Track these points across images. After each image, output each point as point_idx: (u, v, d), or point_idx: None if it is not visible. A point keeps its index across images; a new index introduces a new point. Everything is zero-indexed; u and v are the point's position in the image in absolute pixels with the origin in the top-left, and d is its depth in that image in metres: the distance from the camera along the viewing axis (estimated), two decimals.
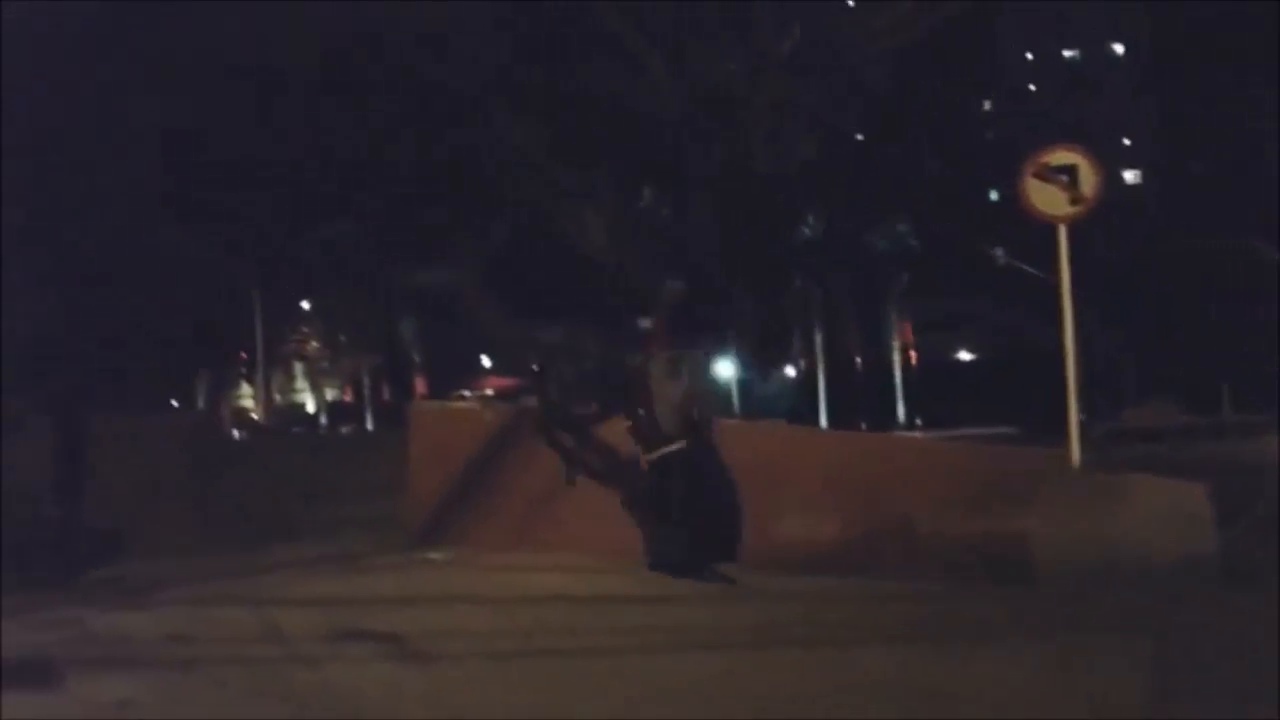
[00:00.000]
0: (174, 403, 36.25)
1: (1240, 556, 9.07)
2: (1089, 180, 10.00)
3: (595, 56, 14.17)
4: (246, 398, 45.90)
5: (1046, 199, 10.06)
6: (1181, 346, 44.82)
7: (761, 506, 9.52)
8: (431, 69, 15.31)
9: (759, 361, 52.16)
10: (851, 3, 15.13)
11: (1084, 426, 10.29)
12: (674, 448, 8.00)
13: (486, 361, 43.87)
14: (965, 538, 8.94)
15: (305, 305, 42.63)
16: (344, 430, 42.96)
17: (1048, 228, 10.28)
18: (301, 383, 51.10)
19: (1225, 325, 47.41)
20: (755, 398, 49.59)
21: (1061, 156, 10.15)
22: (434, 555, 9.42)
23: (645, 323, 14.41)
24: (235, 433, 39.64)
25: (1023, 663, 6.26)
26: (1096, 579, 8.23)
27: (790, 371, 54.50)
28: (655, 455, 8.49)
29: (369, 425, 42.21)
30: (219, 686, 5.80)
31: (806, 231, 47.16)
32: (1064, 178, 10.05)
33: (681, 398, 8.63)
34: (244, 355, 39.95)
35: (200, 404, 37.45)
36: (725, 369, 48.32)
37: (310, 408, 50.68)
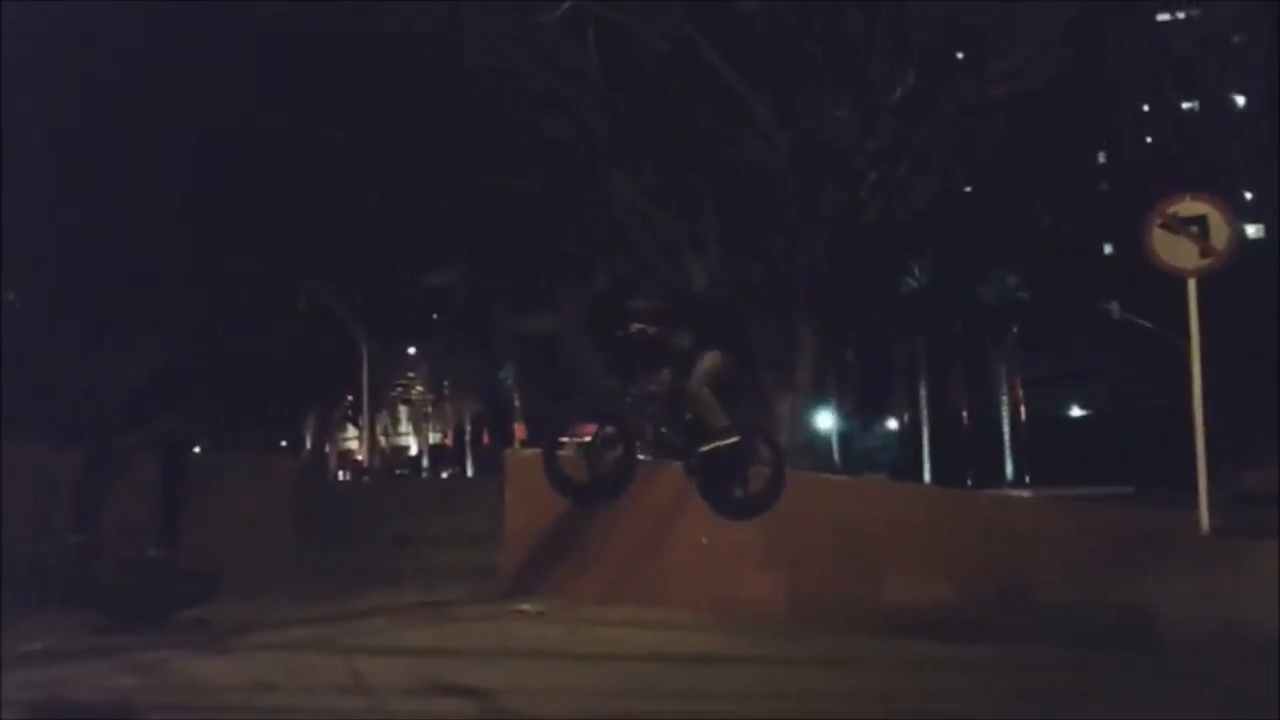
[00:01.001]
0: (282, 443, 37.06)
1: None
2: (1221, 232, 9.54)
3: (702, 104, 14.04)
4: (352, 440, 46.73)
5: (1175, 251, 9.60)
6: None
7: (867, 566, 9.16)
8: (546, 120, 15.37)
9: (860, 413, 51.43)
10: (969, 51, 14.78)
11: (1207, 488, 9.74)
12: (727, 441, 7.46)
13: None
14: (1086, 604, 8.50)
15: (411, 350, 43.37)
16: (444, 474, 43.39)
17: (1165, 280, 9.82)
18: (405, 426, 51.91)
19: None
20: (856, 450, 48.86)
21: (1190, 207, 9.70)
22: (526, 607, 9.20)
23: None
24: (340, 474, 40.35)
25: None
26: (1225, 649, 7.72)
27: (892, 424, 53.48)
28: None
29: (469, 470, 42.56)
30: None
31: (913, 283, 46.47)
32: (1194, 229, 9.58)
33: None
34: (350, 398, 40.72)
35: (307, 445, 38.22)
36: (825, 420, 47.71)
37: (413, 451, 51.39)
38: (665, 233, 14.45)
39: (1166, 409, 9.75)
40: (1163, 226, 9.69)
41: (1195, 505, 8.93)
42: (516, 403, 42.07)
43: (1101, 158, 63.49)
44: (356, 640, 8.02)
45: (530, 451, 11.05)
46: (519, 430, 39.92)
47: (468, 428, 45.75)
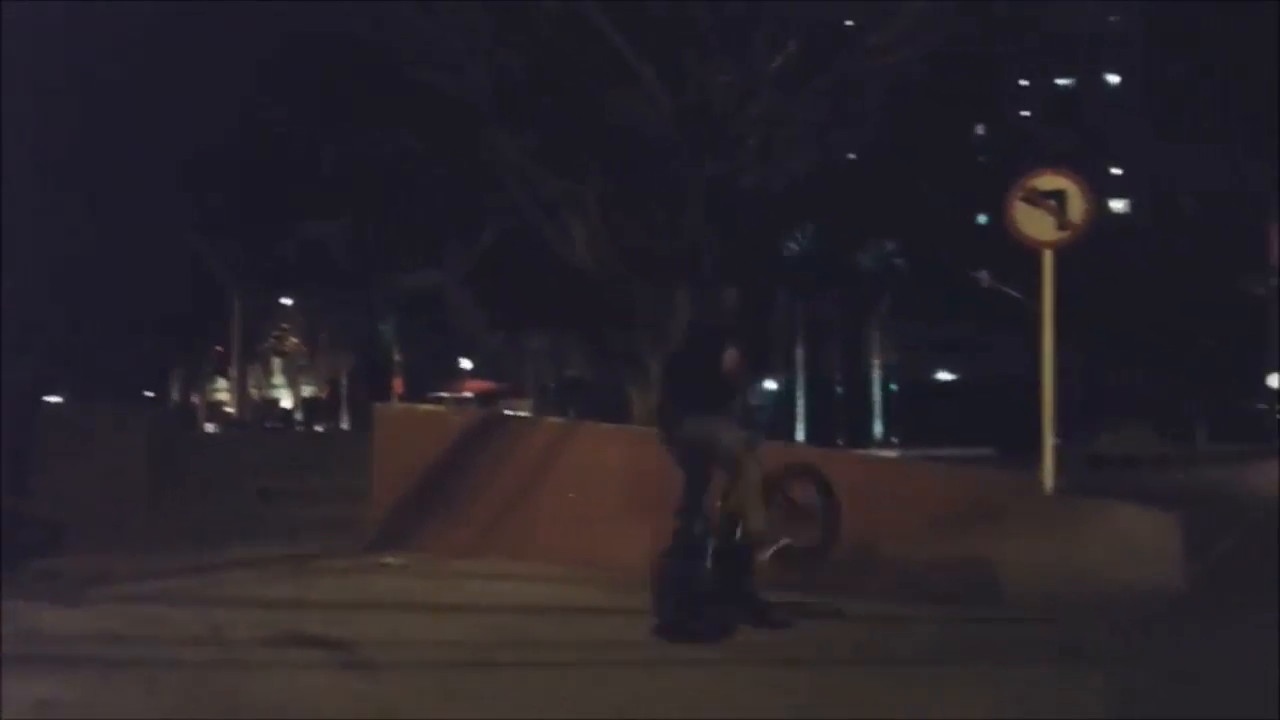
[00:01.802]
0: (149, 394, 35.93)
1: (1208, 588, 8.96)
2: (1077, 206, 9.90)
3: (590, 66, 13.99)
4: (222, 391, 45.57)
5: (1034, 224, 9.95)
6: (1160, 375, 45.01)
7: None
8: (428, 76, 15.11)
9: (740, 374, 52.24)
10: (851, 23, 14.98)
11: (1059, 451, 10.18)
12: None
13: (467, 365, 43.71)
14: (937, 561, 8.80)
15: (286, 302, 42.36)
16: (319, 428, 42.67)
17: (1033, 252, 10.18)
18: (279, 379, 50.78)
19: (1204, 357, 47.72)
20: (734, 410, 49.66)
21: (1050, 181, 10.05)
22: (390, 560, 9.18)
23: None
24: (209, 426, 39.31)
25: (984, 690, 6.10)
26: (1064, 605, 8.11)
27: (771, 385, 54.52)
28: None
29: (345, 424, 41.92)
30: (147, 689, 5.54)
31: (794, 247, 47.25)
32: (1052, 202, 9.93)
33: None
34: (220, 349, 39.65)
35: (174, 395, 37.14)
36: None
37: (286, 404, 50.36)
38: (547, 192, 14.40)
39: (1029, 376, 10.13)
40: (1023, 199, 10.02)
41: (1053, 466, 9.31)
42: (396, 357, 41.54)
43: (980, 130, 65.21)
44: (214, 592, 7.92)
45: (400, 405, 10.98)
46: (398, 385, 39.43)
47: (344, 382, 44.98)
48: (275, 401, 50.17)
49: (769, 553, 6.69)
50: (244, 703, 5.46)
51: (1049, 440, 9.56)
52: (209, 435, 33.49)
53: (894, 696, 6.00)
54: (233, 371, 40.93)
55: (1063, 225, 9.84)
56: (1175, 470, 26.60)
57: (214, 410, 43.25)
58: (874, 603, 8.12)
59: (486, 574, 8.87)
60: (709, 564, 6.76)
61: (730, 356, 6.82)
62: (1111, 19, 65.72)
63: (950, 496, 9.17)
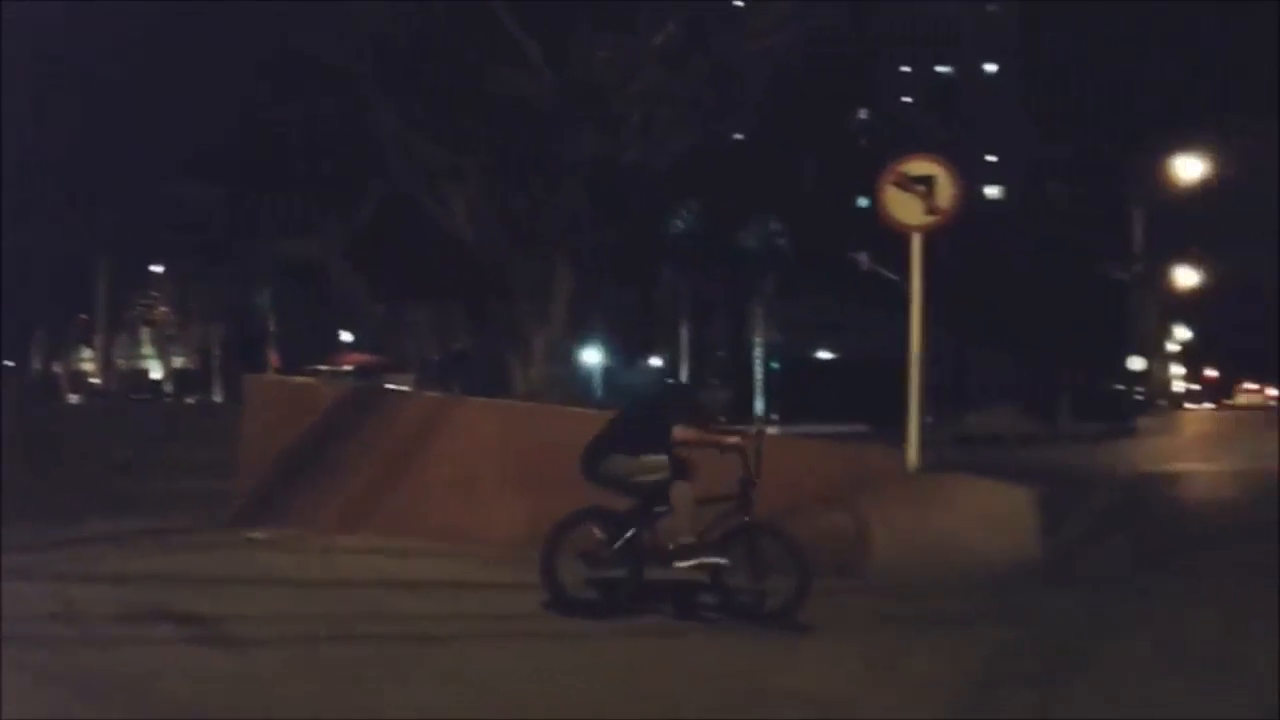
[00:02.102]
0: (8, 363, 34.36)
1: (1063, 560, 9.39)
2: (945, 192, 10.18)
3: (474, 37, 13.81)
4: (87, 361, 43.84)
5: (904, 207, 10.21)
6: (1027, 357, 46.66)
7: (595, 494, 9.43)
8: (310, 42, 14.73)
9: (624, 350, 52.49)
10: (740, 2, 15.08)
11: (929, 429, 10.50)
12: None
13: (347, 337, 42.91)
14: (805, 533, 9.01)
15: (156, 269, 40.91)
16: (189, 400, 41.40)
17: (903, 235, 10.45)
18: (147, 349, 49.08)
19: (1069, 339, 49.71)
20: (619, 386, 49.90)
21: (920, 167, 10.31)
22: (257, 534, 9.01)
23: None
24: (73, 397, 37.84)
25: (845, 658, 6.31)
26: (924, 577, 8.39)
27: (656, 361, 54.88)
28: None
29: (217, 396, 40.75)
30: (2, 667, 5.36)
31: (680, 225, 47.49)
32: (922, 188, 10.20)
33: None
34: (84, 317, 38.10)
35: (36, 365, 35.59)
36: (591, 356, 48.47)
37: (156, 375, 48.72)
38: (428, 163, 14.20)
39: (902, 355, 10.40)
40: (894, 184, 10.27)
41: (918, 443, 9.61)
42: (271, 329, 40.51)
43: (862, 114, 66.42)
44: (72, 568, 7.68)
45: (273, 377, 10.75)
46: (273, 357, 38.51)
47: (217, 352, 43.69)
48: (144, 372, 48.53)
49: (690, 564, 6.82)
50: (100, 679, 5.33)
51: (915, 418, 9.85)
52: (72, 406, 32.21)
53: (756, 665, 6.17)
54: (98, 340, 39.43)
55: (931, 210, 10.11)
56: (1039, 448, 27.64)
57: (78, 380, 41.59)
58: (740, 575, 8.27)
59: (358, 549, 8.79)
60: (620, 552, 6.88)
61: (681, 432, 7.03)
62: (990, 8, 67.51)
63: (819, 472, 9.39)
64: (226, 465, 10.48)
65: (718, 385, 7.34)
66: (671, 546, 6.81)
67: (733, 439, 7.21)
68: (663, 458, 6.92)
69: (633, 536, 6.87)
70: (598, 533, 6.94)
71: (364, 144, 16.39)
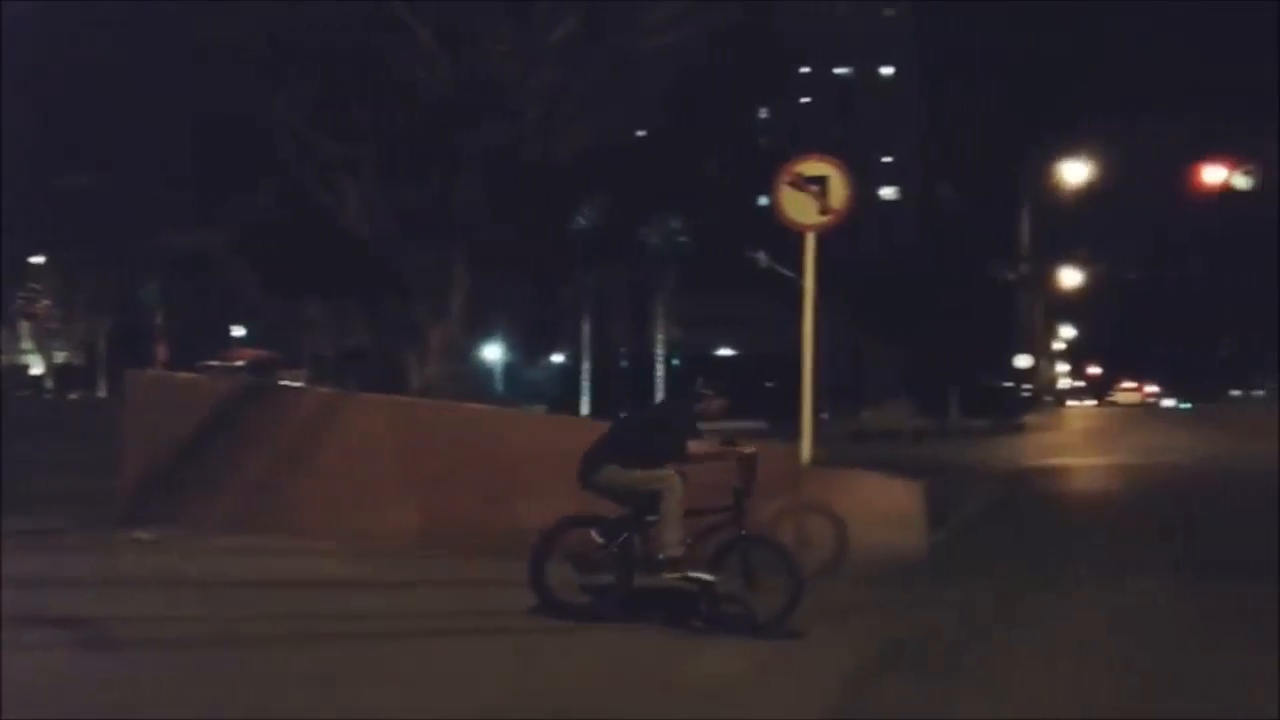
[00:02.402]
0: None
1: (950, 552, 9.66)
2: (838, 192, 10.39)
3: (366, 24, 13.58)
4: None
5: (798, 207, 10.41)
6: (920, 355, 47.81)
7: (499, 493, 9.40)
8: (196, 26, 14.34)
9: (527, 347, 52.33)
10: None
11: (824, 425, 10.69)
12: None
13: (239, 332, 41.90)
14: (698, 526, 9.09)
15: (37, 260, 39.41)
16: (72, 396, 39.97)
17: (798, 234, 10.63)
18: (27, 343, 47.25)
19: (959, 337, 51.09)
20: (521, 382, 49.74)
21: (814, 167, 10.52)
22: (143, 535, 8.76)
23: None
24: None
25: (735, 650, 6.39)
26: (815, 568, 8.53)
27: (557, 359, 54.82)
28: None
29: (102, 392, 39.41)
30: None
31: (582, 222, 47.50)
32: (815, 188, 10.39)
33: None
34: None
35: None
36: (493, 353, 48.19)
37: (36, 370, 46.94)
38: (321, 154, 13.94)
39: (798, 351, 10.58)
40: (790, 184, 10.46)
41: (811, 438, 9.77)
42: (159, 323, 39.34)
43: (763, 114, 67.25)
44: None
45: (157, 373, 10.46)
46: (161, 352, 37.39)
47: (103, 347, 42.24)
48: (24, 367, 46.71)
49: (674, 575, 6.81)
50: None
51: (808, 413, 10.03)
52: None
53: (644, 658, 6.21)
54: None
55: (824, 209, 10.32)
56: (931, 444, 28.37)
57: None
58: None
59: (247, 549, 8.61)
60: (610, 558, 6.88)
61: (713, 405, 7.17)
62: (887, 12, 68.84)
63: (715, 466, 9.47)
64: (110, 463, 10.17)
65: (712, 395, 7.31)
66: (660, 556, 6.80)
67: (750, 449, 7.24)
68: (665, 471, 6.86)
69: (624, 542, 6.85)
70: (593, 537, 6.89)
71: (256, 134, 16.05)
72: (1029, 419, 41.12)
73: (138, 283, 38.37)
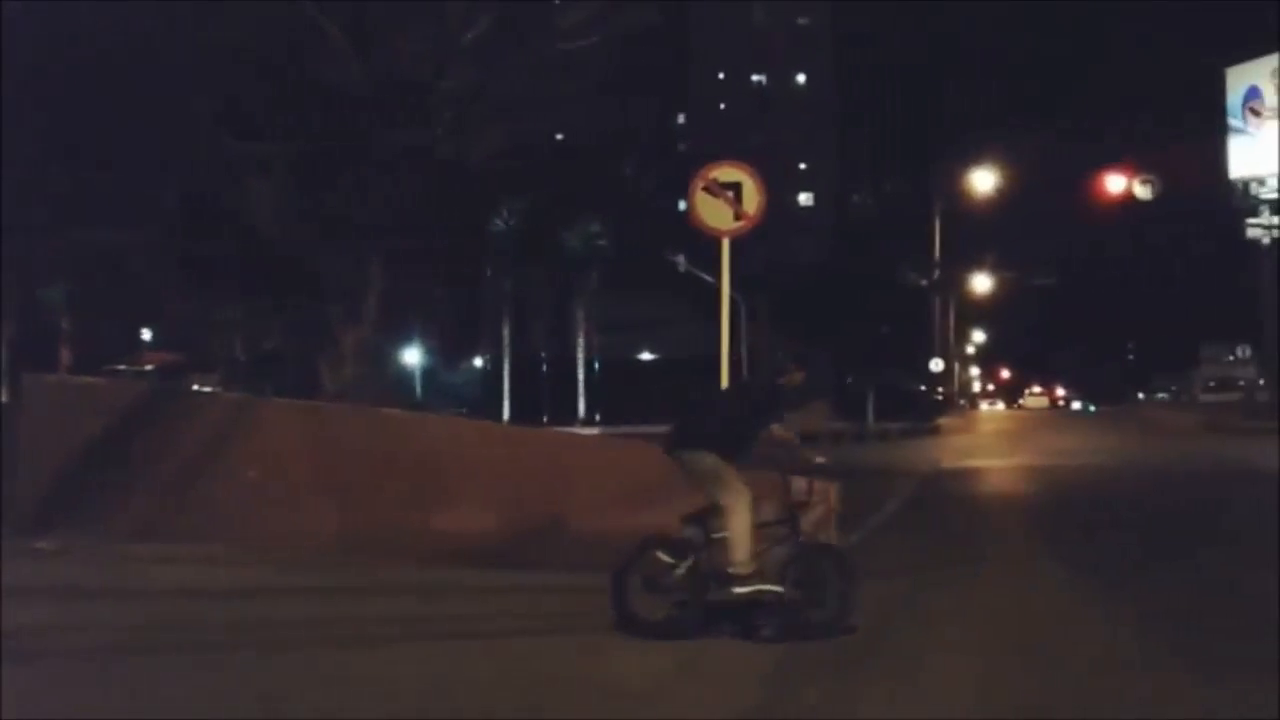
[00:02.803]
0: None
1: (864, 552, 9.81)
2: (752, 198, 10.53)
3: (277, 22, 13.40)
4: None
5: (713, 212, 10.52)
6: (837, 358, 48.47)
7: (419, 498, 9.34)
8: (107, 22, 14.03)
9: (446, 351, 51.90)
10: (559, 1, 15.15)
11: None
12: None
13: (148, 335, 40.88)
14: (616, 532, 9.12)
15: None
16: None
17: (713, 239, 10.74)
18: None
19: (873, 341, 52.03)
20: (440, 386, 49.33)
21: (728, 173, 10.64)
22: (44, 544, 8.52)
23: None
24: None
25: (647, 652, 6.43)
26: None
27: (478, 362, 54.46)
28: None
29: (3, 397, 38.18)
30: None
31: (500, 224, 47.29)
32: (730, 193, 10.51)
33: None
34: None
35: None
36: (412, 356, 47.71)
37: None
38: (229, 153, 13.71)
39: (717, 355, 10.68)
40: (705, 189, 10.57)
41: None
42: (64, 326, 38.23)
43: (681, 119, 67.67)
44: None
45: (54, 377, 10.18)
46: (65, 355, 36.37)
47: (2, 350, 40.93)
48: None
49: (747, 590, 6.79)
50: None
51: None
52: None
53: (565, 661, 6.23)
54: None
55: (739, 215, 10.45)
56: (848, 446, 28.75)
57: None
58: (555, 575, 8.33)
59: (155, 557, 8.43)
60: (683, 573, 6.82)
61: (795, 377, 7.13)
62: (801, 21, 69.76)
63: (634, 471, 9.54)
64: (8, 470, 9.86)
65: (795, 368, 7.11)
66: (730, 571, 6.80)
67: (821, 458, 7.32)
68: (740, 487, 6.82)
69: (694, 563, 6.83)
70: (662, 559, 6.86)
71: (167, 131, 15.73)
72: (943, 422, 41.91)
73: (41, 283, 37.24)
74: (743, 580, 6.82)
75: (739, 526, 6.81)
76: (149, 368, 31.78)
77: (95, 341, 37.05)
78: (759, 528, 6.93)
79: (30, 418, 9.54)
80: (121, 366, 31.03)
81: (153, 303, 35.68)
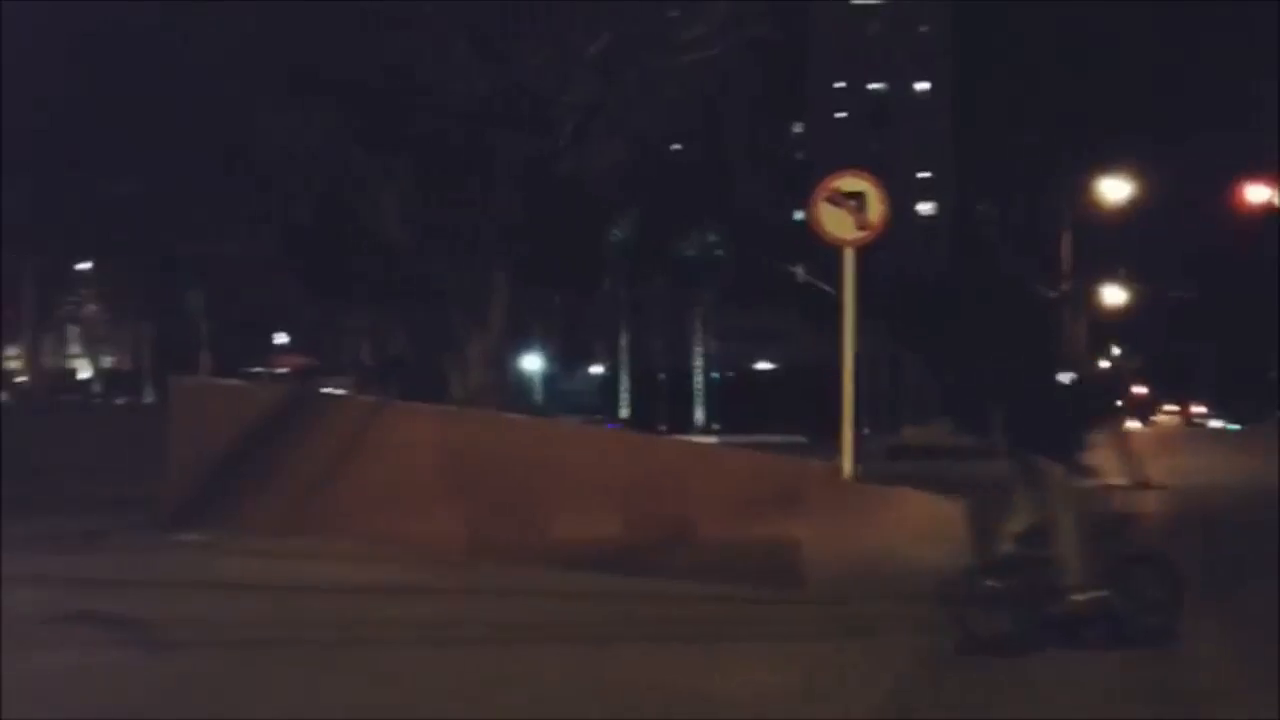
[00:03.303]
0: None
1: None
2: (875, 207, 10.45)
3: (399, 35, 13.80)
4: (13, 359, 42.77)
5: (835, 222, 10.46)
6: (962, 371, 47.46)
7: (545, 503, 9.48)
8: (242, 43, 14.66)
9: (565, 358, 52.51)
10: (677, 14, 15.26)
11: (865, 440, 10.68)
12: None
13: (282, 339, 42.37)
14: (742, 542, 9.11)
15: (85, 266, 40.05)
16: (119, 401, 40.55)
17: (835, 249, 10.68)
18: (76, 348, 48.09)
19: (998, 355, 50.67)
20: (559, 393, 49.90)
21: (851, 183, 10.58)
22: (190, 537, 8.92)
23: None
24: None
25: (777, 665, 6.41)
26: (857, 586, 8.52)
27: (597, 370, 54.95)
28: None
29: (148, 397, 39.96)
30: None
31: (618, 234, 47.66)
32: (853, 203, 10.45)
33: None
34: (9, 314, 37.17)
35: None
36: (532, 363, 48.41)
37: (84, 375, 47.71)
38: (358, 168, 14.16)
39: (839, 367, 10.63)
40: (827, 200, 10.53)
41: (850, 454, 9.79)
42: (203, 329, 39.87)
43: (798, 128, 67.23)
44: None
45: (201, 379, 10.64)
46: (206, 358, 37.89)
47: (149, 353, 42.85)
48: (71, 372, 47.52)
49: (1080, 599, 6.79)
50: (23, 681, 5.26)
51: (849, 429, 10.04)
52: None
53: (686, 673, 6.24)
54: (23, 338, 38.57)
55: (862, 225, 10.38)
56: (973, 462, 28.06)
57: (3, 379, 40.53)
58: (682, 583, 8.33)
59: (293, 553, 8.73)
60: (1016, 589, 6.89)
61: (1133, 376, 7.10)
62: (922, 29, 68.68)
63: (755, 481, 9.55)
64: (156, 468, 10.35)
65: (1134, 365, 7.12)
66: (1063, 583, 6.83)
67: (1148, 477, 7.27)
68: (1073, 501, 6.87)
69: (1026, 578, 6.89)
70: (992, 584, 6.93)
71: (298, 144, 16.28)
72: None
73: (182, 289, 38.92)
74: (1075, 591, 6.78)
75: (1072, 538, 6.76)
76: (283, 371, 32.88)
77: (232, 345, 38.55)
78: (1089, 537, 6.86)
79: (176, 418, 9.99)
80: (257, 369, 32.17)
81: (285, 308, 36.98)
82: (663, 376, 52.79)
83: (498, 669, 6.11)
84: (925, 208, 66.52)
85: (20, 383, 39.79)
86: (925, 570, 8.77)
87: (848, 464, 9.95)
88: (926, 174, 66.49)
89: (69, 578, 7.38)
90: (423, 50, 13.30)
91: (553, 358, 51.41)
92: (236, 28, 14.12)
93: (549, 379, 51.00)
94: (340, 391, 21.95)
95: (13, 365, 42.39)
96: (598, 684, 5.93)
